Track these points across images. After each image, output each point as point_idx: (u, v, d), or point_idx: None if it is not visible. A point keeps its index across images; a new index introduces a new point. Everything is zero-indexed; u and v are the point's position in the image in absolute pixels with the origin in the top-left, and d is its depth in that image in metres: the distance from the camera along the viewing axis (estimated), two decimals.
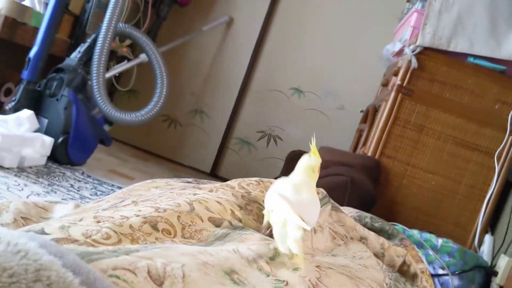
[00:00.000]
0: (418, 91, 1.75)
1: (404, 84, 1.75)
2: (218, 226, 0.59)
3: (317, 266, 0.57)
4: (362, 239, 1.16)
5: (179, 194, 0.69)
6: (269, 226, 0.67)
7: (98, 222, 0.50)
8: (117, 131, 2.62)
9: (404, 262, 1.23)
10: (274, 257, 0.53)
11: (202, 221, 0.58)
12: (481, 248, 1.70)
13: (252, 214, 0.77)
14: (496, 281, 1.50)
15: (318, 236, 0.88)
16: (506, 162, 1.70)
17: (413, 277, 1.22)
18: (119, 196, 0.68)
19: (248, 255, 0.49)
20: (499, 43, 1.72)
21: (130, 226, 0.50)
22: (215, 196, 0.72)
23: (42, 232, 0.44)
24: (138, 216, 0.52)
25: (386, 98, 1.87)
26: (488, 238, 1.69)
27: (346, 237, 1.04)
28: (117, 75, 2.31)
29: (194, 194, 0.70)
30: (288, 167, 2.36)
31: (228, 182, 0.93)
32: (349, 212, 1.39)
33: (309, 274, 0.54)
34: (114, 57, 2.32)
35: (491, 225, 1.75)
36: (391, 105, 1.76)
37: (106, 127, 1.94)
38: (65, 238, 0.44)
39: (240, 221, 0.68)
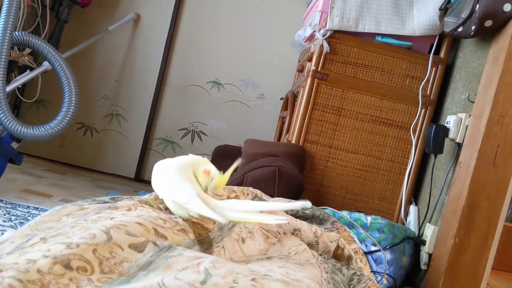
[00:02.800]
0: (333, 75, 1.77)
1: (319, 69, 1.77)
2: (141, 251, 0.55)
3: (252, 279, 0.55)
4: (296, 231, 1.15)
5: (94, 221, 0.64)
6: None
7: (0, 271, 0.44)
8: (27, 145, 2.45)
9: (338, 246, 1.24)
10: (205, 280, 0.49)
11: (123, 249, 0.53)
12: (408, 219, 1.77)
13: (179, 224, 0.73)
14: (425, 249, 1.57)
15: (248, 244, 0.86)
16: (421, 134, 1.77)
17: (348, 260, 1.24)
18: (26, 233, 0.61)
19: (177, 286, 0.45)
20: (403, 20, 1.78)
21: (38, 271, 0.45)
22: (135, 216, 0.67)
23: None
24: (47, 257, 0.47)
25: (303, 85, 1.88)
26: (413, 208, 1.76)
27: (279, 233, 1.03)
28: (19, 86, 2.15)
29: (111, 219, 0.64)
30: (217, 162, 2.33)
31: (143, 198, 0.89)
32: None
33: None
34: (15, 67, 2.15)
35: (414, 196, 1.82)
36: (309, 91, 1.78)
37: (14, 145, 1.80)
38: None
39: (166, 238, 0.64)
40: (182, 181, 0.75)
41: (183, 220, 0.76)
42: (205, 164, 0.79)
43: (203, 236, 0.76)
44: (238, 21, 2.61)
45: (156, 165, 0.81)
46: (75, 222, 0.62)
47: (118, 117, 2.62)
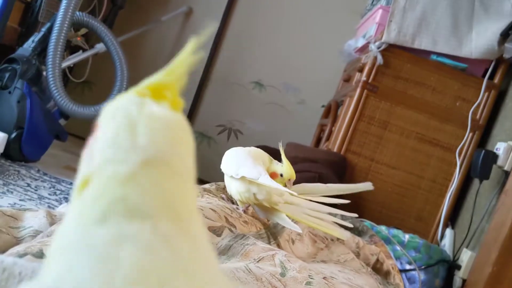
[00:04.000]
0: (383, 88, 1.76)
1: (369, 80, 1.76)
2: (219, 235, 0.55)
3: (324, 278, 0.55)
4: (339, 240, 1.15)
5: None
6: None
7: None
8: (71, 125, 2.50)
9: (377, 260, 1.23)
10: (283, 273, 0.50)
11: None
12: (442, 242, 1.74)
13: (242, 216, 0.74)
14: (460, 274, 1.54)
15: (297, 246, 0.86)
16: (467, 158, 1.75)
17: (386, 275, 1.23)
18: None
19: (261, 275, 0.46)
20: (461, 42, 1.76)
21: None
22: (206, 202, 0.68)
23: (41, 255, 0.39)
24: None
25: (350, 94, 1.87)
26: (449, 232, 1.73)
27: (327, 238, 1.03)
28: (71, 66, 2.19)
29: None
30: None
31: (205, 186, 0.90)
32: None
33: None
34: (68, 47, 2.20)
35: (452, 219, 1.80)
36: (356, 101, 1.77)
37: (62, 121, 1.84)
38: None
39: (235, 227, 0.65)
40: (254, 162, 0.78)
41: (244, 212, 0.77)
42: (273, 163, 0.81)
43: (262, 231, 0.77)
44: (288, 24, 2.62)
45: (228, 151, 0.84)
46: None
47: None
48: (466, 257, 1.55)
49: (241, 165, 0.79)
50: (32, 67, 1.66)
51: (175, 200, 0.23)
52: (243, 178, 0.77)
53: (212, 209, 0.62)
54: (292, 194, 0.75)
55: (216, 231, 0.55)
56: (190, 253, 0.21)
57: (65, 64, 2.04)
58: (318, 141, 2.34)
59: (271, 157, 0.83)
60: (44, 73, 1.68)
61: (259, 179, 0.73)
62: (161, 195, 0.22)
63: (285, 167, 0.80)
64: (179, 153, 0.24)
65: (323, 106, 2.49)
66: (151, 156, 0.23)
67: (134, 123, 0.24)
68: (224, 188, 0.88)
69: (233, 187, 0.80)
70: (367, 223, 1.55)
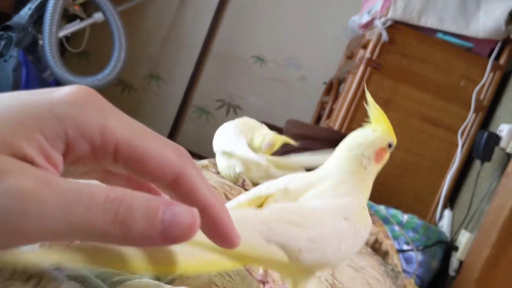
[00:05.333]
0: (387, 65, 1.73)
1: (373, 57, 1.73)
2: None
3: None
4: None
5: None
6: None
7: None
8: None
9: (376, 240, 1.22)
10: None
11: None
12: (440, 223, 1.74)
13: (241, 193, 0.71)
14: (457, 256, 1.54)
15: None
16: (469, 139, 1.73)
17: (384, 255, 1.22)
18: None
19: None
20: (468, 21, 1.72)
21: None
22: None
23: None
24: None
25: (353, 71, 1.84)
26: (447, 213, 1.72)
27: None
28: (68, 35, 2.14)
29: None
30: None
31: (202, 162, 0.88)
32: None
33: (324, 272, 0.49)
34: (65, 16, 2.15)
35: (451, 200, 1.78)
36: (360, 78, 1.74)
37: None
38: None
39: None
40: (237, 134, 0.75)
41: (242, 187, 0.74)
42: (263, 129, 0.78)
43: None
44: None
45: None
46: None
47: (157, 79, 2.61)
48: (464, 238, 1.54)
49: (223, 138, 0.76)
50: (28, 35, 1.62)
51: None
52: (224, 153, 0.75)
53: (212, 186, 0.59)
54: (276, 164, 0.72)
55: None
56: None
57: (62, 33, 1.99)
58: (318, 118, 2.31)
59: (263, 125, 0.80)
60: (40, 41, 1.64)
61: (236, 152, 0.70)
62: None
63: (268, 135, 0.76)
64: None
65: (324, 83, 2.46)
66: None
67: None
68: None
69: (218, 163, 0.78)
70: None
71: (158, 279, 0.35)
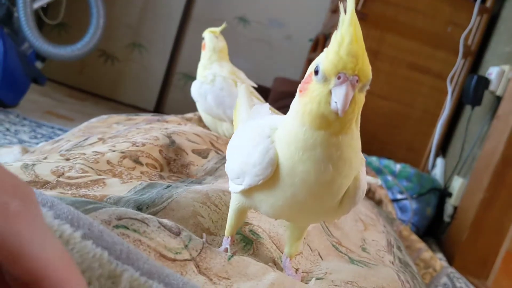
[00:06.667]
0: (372, 15, 1.69)
1: (358, 8, 1.69)
2: (205, 157, 0.51)
3: None
4: None
5: (149, 129, 0.60)
6: None
7: (68, 159, 0.41)
8: (49, 69, 2.41)
9: (369, 190, 1.22)
10: None
11: (187, 154, 0.50)
12: (433, 171, 1.74)
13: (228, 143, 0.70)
14: (451, 202, 1.54)
15: None
16: (458, 85, 1.71)
17: (378, 203, 1.22)
18: (79, 135, 0.58)
19: None
20: None
21: (108, 162, 0.42)
22: (188, 128, 0.64)
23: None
24: (115, 151, 0.44)
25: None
26: (440, 161, 1.72)
27: None
28: (44, 6, 2.07)
29: (166, 128, 0.61)
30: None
31: (187, 116, 0.86)
32: None
33: None
34: None
35: (443, 148, 1.78)
36: None
37: (39, 64, 1.76)
38: (32, 181, 0.35)
39: (222, 152, 0.61)
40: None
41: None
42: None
43: None
44: None
45: None
46: (129, 129, 0.59)
47: (140, 48, 2.55)
48: (457, 184, 1.54)
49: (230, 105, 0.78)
50: (1, 7, 1.56)
51: None
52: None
53: (195, 134, 0.57)
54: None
55: (201, 153, 0.51)
56: None
57: (37, 4, 1.93)
58: None
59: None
60: (16, 14, 1.58)
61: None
62: None
63: None
64: None
65: (310, 40, 2.42)
66: None
67: None
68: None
69: (205, 120, 0.78)
70: None
71: (139, 209, 0.34)
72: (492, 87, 1.50)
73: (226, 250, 0.38)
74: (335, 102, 0.32)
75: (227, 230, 0.38)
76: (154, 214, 0.34)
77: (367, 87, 0.35)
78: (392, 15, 1.69)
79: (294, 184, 0.35)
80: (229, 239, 0.39)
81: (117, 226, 0.27)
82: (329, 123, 0.33)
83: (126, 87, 2.59)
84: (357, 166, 0.37)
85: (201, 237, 0.36)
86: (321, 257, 0.44)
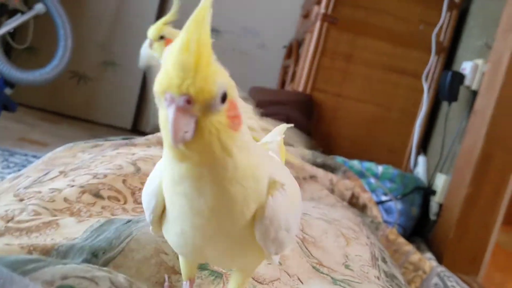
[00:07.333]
0: (343, 19, 1.69)
1: (328, 12, 1.68)
2: None
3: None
4: (312, 178, 1.10)
5: (114, 156, 0.57)
6: None
7: (21, 200, 0.38)
8: (20, 94, 2.35)
9: (353, 195, 1.20)
10: None
11: None
12: (416, 170, 1.73)
13: None
14: (436, 199, 1.54)
15: None
16: (434, 82, 1.72)
17: (362, 208, 1.20)
18: (40, 168, 0.55)
19: None
20: None
21: (65, 199, 0.39)
22: (157, 151, 0.61)
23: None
24: (73, 186, 0.41)
25: (310, 30, 1.79)
26: (421, 159, 1.72)
27: (298, 178, 0.98)
28: (11, 31, 2.03)
29: (133, 154, 0.58)
30: None
31: (156, 136, 0.83)
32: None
33: None
34: (5, 12, 2.03)
35: (423, 146, 1.78)
36: (317, 36, 1.69)
37: (8, 91, 1.71)
38: None
39: None
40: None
41: None
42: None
43: None
44: None
45: None
46: (93, 158, 0.56)
47: (113, 66, 2.51)
48: (440, 181, 1.54)
49: None
50: None
51: None
52: None
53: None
54: None
55: None
56: None
57: (3, 29, 1.88)
58: (283, 84, 2.27)
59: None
60: None
61: None
62: None
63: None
64: None
65: (284, 46, 2.41)
66: None
67: None
68: None
69: None
70: (339, 159, 1.52)
71: (95, 255, 0.31)
72: (467, 82, 1.50)
73: None
74: (169, 131, 0.26)
75: (182, 274, 0.34)
76: (112, 259, 0.31)
77: (222, 106, 0.28)
78: (362, 18, 1.69)
79: (176, 219, 0.31)
80: (187, 283, 0.35)
81: (61, 286, 0.24)
82: (184, 155, 0.27)
83: (101, 106, 2.54)
84: (253, 197, 0.30)
85: (163, 280, 0.34)
86: (301, 281, 0.41)
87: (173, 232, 0.31)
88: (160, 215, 0.32)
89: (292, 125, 0.48)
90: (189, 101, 0.26)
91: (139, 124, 2.56)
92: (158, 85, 0.27)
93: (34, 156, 1.52)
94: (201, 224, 0.30)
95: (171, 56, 0.27)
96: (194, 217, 0.29)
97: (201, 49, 0.27)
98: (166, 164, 0.30)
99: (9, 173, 1.29)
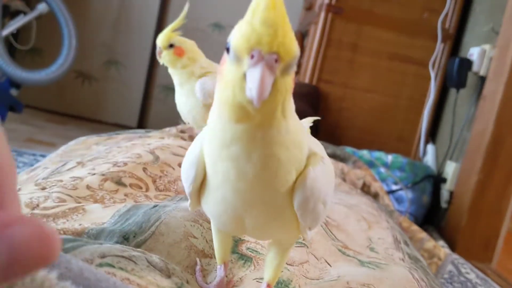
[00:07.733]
0: (348, 9, 1.68)
1: (333, 2, 1.67)
2: None
3: None
4: None
5: (130, 147, 0.57)
6: None
7: (43, 188, 0.38)
8: (26, 96, 2.35)
9: (364, 184, 1.19)
10: None
11: (173, 168, 0.47)
12: (425, 159, 1.72)
13: None
14: (446, 187, 1.53)
15: None
16: (441, 69, 1.70)
17: (374, 197, 1.19)
18: (56, 160, 0.55)
19: None
20: None
21: (88, 187, 0.38)
22: (172, 141, 0.60)
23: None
24: (94, 174, 0.40)
25: (315, 21, 1.78)
26: (430, 147, 1.71)
27: None
28: (14, 32, 2.03)
29: (149, 144, 0.58)
30: None
31: (168, 130, 0.83)
32: None
33: None
34: (7, 13, 2.03)
35: (432, 134, 1.77)
36: (322, 26, 1.68)
37: (14, 92, 1.71)
38: None
39: None
40: None
41: None
42: None
43: None
44: None
45: None
46: (109, 149, 0.55)
47: (117, 65, 2.51)
48: (450, 169, 1.53)
49: None
50: None
51: None
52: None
53: (180, 146, 0.55)
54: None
55: None
56: None
57: (6, 31, 1.88)
58: None
59: None
60: None
61: None
62: None
63: None
64: None
65: None
66: None
67: None
68: (182, 131, 0.86)
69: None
70: (349, 149, 1.51)
71: (126, 239, 0.30)
72: (475, 68, 1.49)
73: (221, 281, 0.34)
74: (250, 89, 0.25)
75: (217, 257, 0.34)
76: (143, 242, 0.30)
77: (294, 68, 0.28)
78: (367, 7, 1.68)
79: (218, 186, 0.30)
80: (222, 267, 0.34)
81: (100, 265, 0.24)
82: (248, 115, 0.27)
83: (106, 106, 2.54)
84: (295, 164, 0.30)
85: (195, 263, 0.33)
86: (328, 264, 0.41)
87: (214, 201, 0.31)
88: (199, 186, 0.31)
89: (318, 118, 0.46)
90: (276, 60, 0.26)
91: (144, 122, 2.56)
92: (245, 42, 0.26)
93: (43, 156, 1.51)
94: (244, 189, 0.29)
95: (258, 13, 0.26)
96: (238, 182, 0.29)
97: (284, 11, 0.27)
98: (215, 128, 0.29)
99: (19, 173, 1.29)
